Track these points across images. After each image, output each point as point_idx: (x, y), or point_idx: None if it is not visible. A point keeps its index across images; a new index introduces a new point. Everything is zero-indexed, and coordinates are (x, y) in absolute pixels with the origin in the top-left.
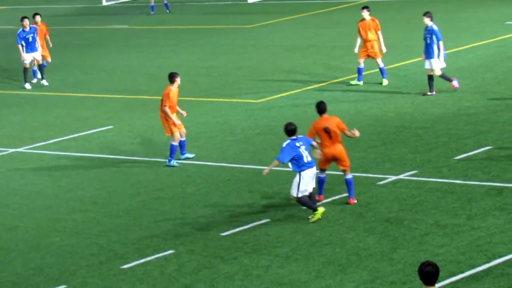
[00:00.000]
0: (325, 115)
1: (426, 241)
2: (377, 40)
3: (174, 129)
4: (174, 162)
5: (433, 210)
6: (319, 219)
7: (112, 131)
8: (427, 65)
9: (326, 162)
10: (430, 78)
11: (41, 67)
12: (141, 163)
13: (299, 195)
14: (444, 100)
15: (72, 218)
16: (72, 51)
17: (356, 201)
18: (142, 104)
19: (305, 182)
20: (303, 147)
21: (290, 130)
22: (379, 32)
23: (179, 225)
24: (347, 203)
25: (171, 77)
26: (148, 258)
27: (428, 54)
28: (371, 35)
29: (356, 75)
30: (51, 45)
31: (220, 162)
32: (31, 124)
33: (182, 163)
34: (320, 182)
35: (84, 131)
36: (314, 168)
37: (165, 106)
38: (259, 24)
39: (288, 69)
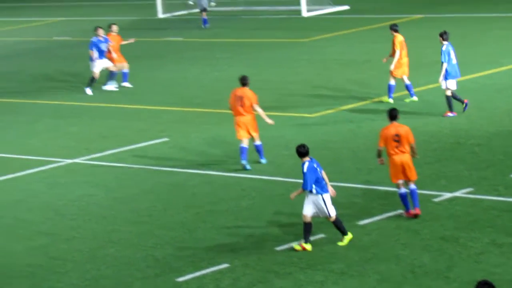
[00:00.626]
0: (395, 122)
1: (482, 260)
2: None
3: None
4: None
5: (489, 228)
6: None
7: (168, 143)
8: (443, 85)
9: (397, 173)
10: (447, 98)
11: (112, 74)
12: (196, 176)
13: (331, 215)
14: (500, 117)
15: (128, 229)
16: (128, 63)
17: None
18: (197, 116)
19: (331, 206)
20: (318, 169)
21: (305, 152)
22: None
23: (234, 238)
24: (414, 215)
25: (246, 80)
26: (203, 272)
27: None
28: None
29: (407, 92)
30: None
31: (275, 176)
32: (88, 135)
33: (236, 176)
34: (403, 197)
35: (140, 143)
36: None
37: (257, 104)
38: (314, 38)
39: (343, 84)
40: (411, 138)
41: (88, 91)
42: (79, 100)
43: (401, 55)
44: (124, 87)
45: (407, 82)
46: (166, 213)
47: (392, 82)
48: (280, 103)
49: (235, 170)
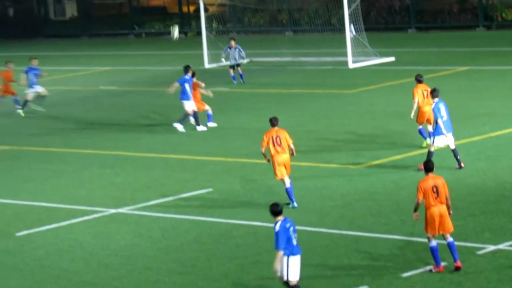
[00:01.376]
0: (431, 174)
1: None
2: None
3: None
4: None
5: None
6: None
7: (212, 194)
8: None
9: (434, 224)
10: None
11: (196, 114)
12: (240, 226)
13: (289, 279)
14: None
15: (172, 280)
16: (174, 113)
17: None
18: (241, 167)
19: (293, 270)
20: (291, 229)
21: (278, 211)
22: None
23: None
24: (453, 269)
25: (278, 120)
26: None
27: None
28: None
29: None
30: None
31: (319, 227)
32: (132, 185)
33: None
34: (434, 251)
35: (184, 193)
36: (299, 256)
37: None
38: (360, 89)
39: (388, 135)
40: (447, 190)
41: (179, 126)
42: (125, 150)
43: (423, 103)
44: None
45: (431, 130)
46: (210, 264)
47: (420, 126)
48: (326, 153)
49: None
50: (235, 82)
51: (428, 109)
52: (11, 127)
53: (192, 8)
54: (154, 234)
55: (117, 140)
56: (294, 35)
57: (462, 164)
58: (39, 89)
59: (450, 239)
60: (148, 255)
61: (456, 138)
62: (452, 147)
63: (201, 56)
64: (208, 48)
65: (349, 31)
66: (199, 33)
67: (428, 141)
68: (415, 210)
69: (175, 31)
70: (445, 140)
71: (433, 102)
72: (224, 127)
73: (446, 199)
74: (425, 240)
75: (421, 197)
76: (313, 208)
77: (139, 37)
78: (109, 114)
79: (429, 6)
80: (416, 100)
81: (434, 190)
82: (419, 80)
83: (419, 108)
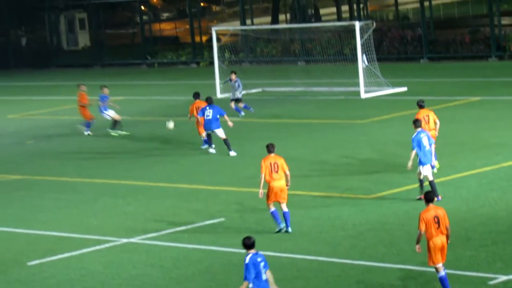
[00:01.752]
0: (432, 204)
1: None
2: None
3: None
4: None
5: None
6: None
7: (224, 223)
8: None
9: (437, 255)
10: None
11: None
12: None
13: None
14: None
15: None
16: (187, 142)
17: None
18: (253, 197)
19: None
20: (262, 264)
21: (250, 244)
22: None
23: None
24: None
25: (273, 147)
26: None
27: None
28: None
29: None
30: None
31: (331, 257)
32: (144, 215)
33: (292, 257)
34: (443, 280)
35: (196, 223)
36: None
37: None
38: (372, 119)
39: (400, 165)
40: (447, 220)
41: (232, 153)
42: (137, 179)
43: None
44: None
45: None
46: None
47: None
48: (337, 183)
49: (291, 251)
50: (241, 114)
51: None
52: (23, 156)
53: (204, 38)
54: (166, 264)
55: (129, 169)
56: (307, 65)
57: (440, 197)
58: (112, 114)
59: (443, 273)
60: (159, 285)
61: (469, 168)
62: (430, 178)
63: (213, 86)
64: (221, 78)
65: (362, 61)
66: (211, 63)
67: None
68: (418, 242)
69: (171, 124)
70: (429, 169)
71: (415, 132)
72: (236, 156)
73: (447, 229)
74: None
75: (423, 228)
76: (325, 238)
77: (152, 67)
78: (121, 144)
79: (441, 36)
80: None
81: (436, 220)
82: (419, 105)
83: None
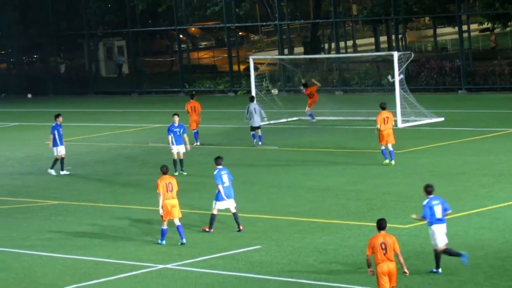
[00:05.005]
0: (383, 232)
1: None
2: None
3: None
4: None
5: None
6: None
7: (260, 251)
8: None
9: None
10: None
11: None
12: (287, 284)
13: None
14: None
15: None
16: None
17: None
18: (290, 225)
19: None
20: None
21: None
22: None
23: None
24: None
25: (168, 169)
26: None
27: None
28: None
29: None
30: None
31: (367, 286)
32: (178, 241)
33: (327, 285)
34: None
35: (232, 250)
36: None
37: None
38: (407, 149)
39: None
40: (397, 247)
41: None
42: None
43: (380, 128)
44: None
45: (390, 149)
46: None
47: (382, 147)
48: (374, 213)
49: (326, 279)
50: (255, 141)
51: (386, 133)
52: (60, 182)
53: (242, 67)
54: None
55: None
56: (344, 95)
57: (241, 227)
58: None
59: None
60: None
61: (506, 199)
62: (233, 210)
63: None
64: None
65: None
66: (249, 92)
67: (387, 161)
68: (368, 265)
69: (275, 91)
70: (225, 204)
71: (216, 169)
72: (272, 185)
73: (398, 256)
74: None
75: (369, 253)
76: (361, 266)
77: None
78: (157, 171)
79: (480, 68)
80: (377, 125)
81: (383, 246)
82: (382, 107)
83: (380, 131)
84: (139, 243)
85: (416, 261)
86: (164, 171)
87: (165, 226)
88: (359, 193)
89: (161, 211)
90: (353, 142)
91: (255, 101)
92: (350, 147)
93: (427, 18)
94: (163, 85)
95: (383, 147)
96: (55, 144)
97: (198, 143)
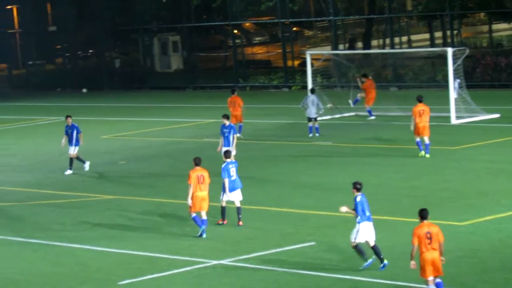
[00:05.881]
0: (426, 221)
1: None
2: None
3: None
4: None
5: None
6: None
7: (314, 248)
8: None
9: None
10: None
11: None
12: (342, 281)
13: None
14: None
15: None
16: (276, 166)
17: None
18: (344, 221)
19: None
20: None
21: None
22: None
23: None
24: None
25: (200, 161)
26: None
27: None
28: None
29: None
30: None
31: (420, 284)
32: (234, 237)
33: (382, 283)
34: None
35: (286, 246)
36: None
37: None
38: (463, 146)
39: (493, 193)
40: (441, 237)
41: None
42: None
43: (416, 121)
44: None
45: (427, 142)
46: None
47: (417, 138)
48: (429, 211)
49: (381, 276)
50: (310, 135)
51: (421, 125)
52: (115, 177)
53: (296, 62)
54: (256, 287)
55: (218, 192)
56: (399, 91)
57: (241, 223)
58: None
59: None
60: None
61: None
62: (238, 205)
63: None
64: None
65: (454, 87)
66: (303, 87)
67: (423, 153)
68: (412, 258)
69: (329, 105)
70: (232, 197)
71: (225, 162)
72: (327, 181)
73: (440, 245)
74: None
75: (416, 243)
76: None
77: (244, 90)
78: (211, 166)
79: None
80: (413, 118)
81: (428, 236)
82: (419, 100)
83: (415, 123)
84: (193, 239)
85: (473, 259)
86: (197, 162)
87: (194, 214)
88: (413, 190)
89: (190, 201)
90: (407, 138)
91: (315, 93)
92: (404, 143)
93: (482, 14)
94: (217, 80)
95: (417, 139)
96: (70, 143)
97: (241, 135)
